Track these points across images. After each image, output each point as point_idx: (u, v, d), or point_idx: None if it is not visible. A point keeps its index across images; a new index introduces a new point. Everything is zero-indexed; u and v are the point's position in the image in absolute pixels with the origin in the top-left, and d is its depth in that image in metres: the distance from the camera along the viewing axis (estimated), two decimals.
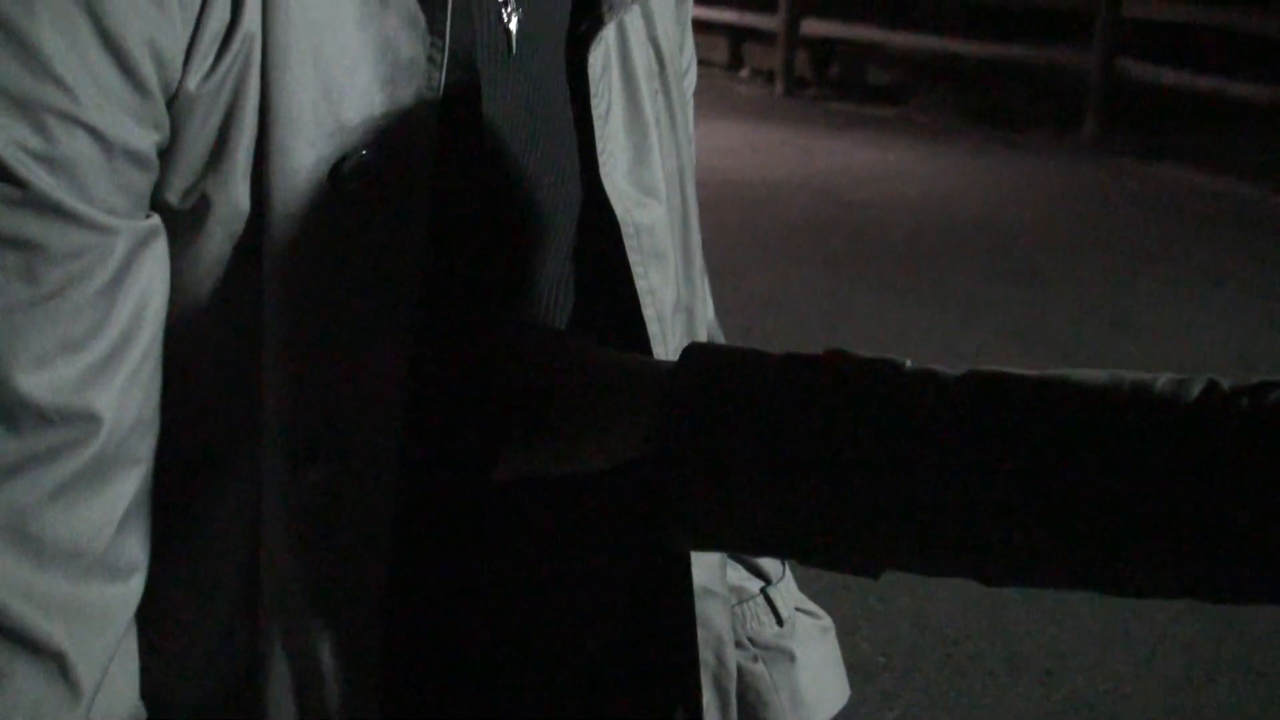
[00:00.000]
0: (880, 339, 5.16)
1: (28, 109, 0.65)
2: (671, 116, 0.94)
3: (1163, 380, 0.73)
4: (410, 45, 0.75)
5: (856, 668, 3.06)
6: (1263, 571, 0.70)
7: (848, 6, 10.87)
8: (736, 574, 1.10)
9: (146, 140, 0.70)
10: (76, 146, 0.67)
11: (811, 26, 10.56)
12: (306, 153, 0.72)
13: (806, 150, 8.53)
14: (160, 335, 0.73)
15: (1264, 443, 0.69)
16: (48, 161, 0.66)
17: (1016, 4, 9.85)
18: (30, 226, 0.66)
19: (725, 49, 11.65)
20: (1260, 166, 8.11)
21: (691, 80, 1.01)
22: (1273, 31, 8.43)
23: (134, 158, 0.69)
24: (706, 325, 1.02)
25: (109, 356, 0.70)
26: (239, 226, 0.72)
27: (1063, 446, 0.72)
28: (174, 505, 0.77)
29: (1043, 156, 8.53)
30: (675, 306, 0.93)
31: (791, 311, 5.49)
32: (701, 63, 11.52)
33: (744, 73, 11.43)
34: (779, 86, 10.62)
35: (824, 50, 10.97)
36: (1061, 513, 0.72)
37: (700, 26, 10.89)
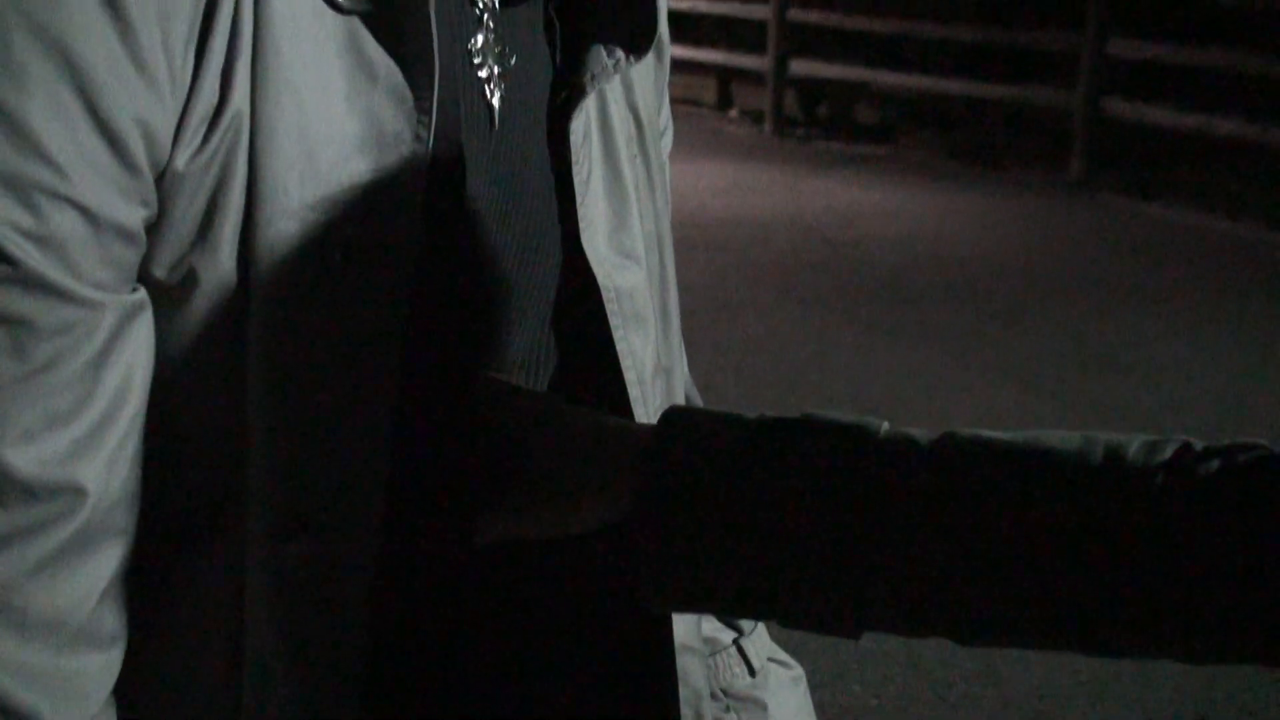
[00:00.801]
0: (868, 378, 5.17)
1: (19, 187, 0.66)
2: (650, 179, 0.96)
3: (1135, 445, 0.74)
4: (396, 121, 0.75)
5: (849, 710, 3.06)
6: (1237, 634, 0.71)
7: (836, 47, 10.93)
8: (709, 625, 1.11)
9: (135, 216, 0.70)
10: (66, 224, 0.67)
11: (800, 67, 10.62)
12: (292, 227, 0.73)
13: (795, 189, 8.57)
14: (145, 407, 0.74)
15: (1234, 507, 0.70)
16: (38, 239, 0.67)
17: (1002, 44, 9.91)
18: (19, 303, 0.67)
19: (714, 89, 11.71)
20: (1247, 204, 8.15)
21: (668, 141, 1.03)
22: (1257, 69, 8.49)
23: (122, 234, 0.70)
24: (683, 383, 1.03)
25: (95, 430, 0.71)
26: (224, 299, 0.73)
27: (1037, 515, 0.73)
28: (156, 576, 0.77)
29: (1029, 195, 8.57)
30: (655, 369, 0.94)
31: (781, 350, 5.51)
32: (690, 103, 11.46)
33: (733, 113, 11.48)
34: (768, 126, 10.67)
35: (812, 90, 11.03)
36: (1036, 579, 0.73)
37: (689, 67, 10.96)
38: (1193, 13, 9.29)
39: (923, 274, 6.66)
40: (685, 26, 11.04)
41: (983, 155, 9.66)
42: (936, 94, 10.24)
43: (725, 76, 11.58)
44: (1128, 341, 5.69)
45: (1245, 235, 7.65)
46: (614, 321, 0.89)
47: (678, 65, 9.40)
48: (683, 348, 1.06)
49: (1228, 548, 0.70)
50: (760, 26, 10.83)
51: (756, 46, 10.89)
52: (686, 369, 1.08)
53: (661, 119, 1.01)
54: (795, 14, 10.58)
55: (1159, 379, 5.26)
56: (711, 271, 6.47)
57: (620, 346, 0.90)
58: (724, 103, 11.67)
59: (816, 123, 10.98)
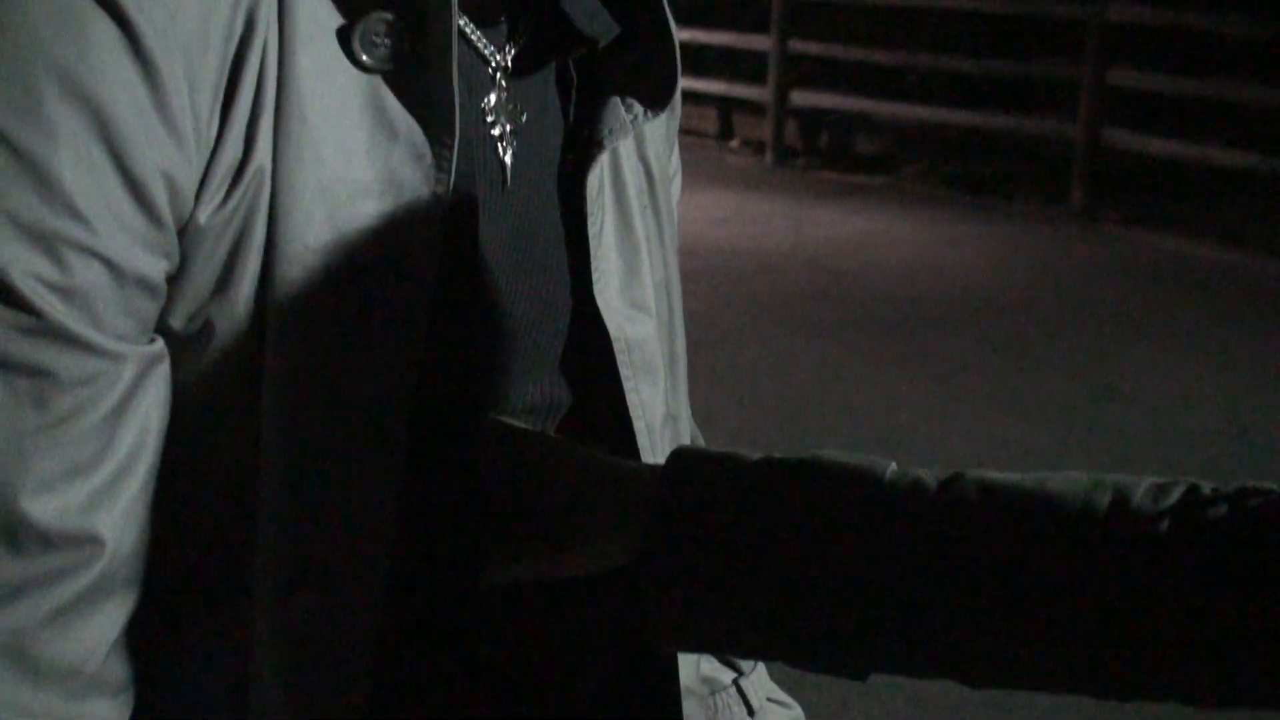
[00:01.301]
0: (871, 408, 5.17)
1: (45, 240, 0.67)
2: (660, 229, 0.96)
3: (1142, 489, 0.74)
4: (414, 177, 0.76)
5: None
6: (1245, 678, 0.71)
7: (836, 77, 10.97)
8: (708, 665, 1.11)
9: (157, 268, 0.71)
10: (91, 277, 0.68)
11: (800, 97, 10.65)
12: (309, 280, 0.74)
13: (797, 219, 8.58)
14: (160, 458, 0.74)
15: (1241, 553, 0.71)
16: (63, 291, 0.68)
17: (1002, 74, 9.94)
18: (43, 354, 0.68)
19: (715, 119, 11.74)
20: (1247, 233, 8.16)
21: (677, 186, 1.04)
22: (1257, 99, 8.52)
23: (145, 285, 0.71)
24: (689, 426, 1.04)
25: (113, 480, 0.71)
26: (240, 350, 0.74)
27: (1043, 563, 0.74)
28: (167, 626, 0.78)
29: (1030, 225, 8.58)
30: (664, 418, 0.94)
31: (784, 381, 5.51)
32: (692, 133, 11.46)
33: (734, 143, 11.51)
34: (769, 156, 10.69)
35: (813, 120, 11.06)
36: (1043, 627, 0.74)
37: (691, 97, 10.97)
38: (1193, 44, 9.31)
39: (924, 304, 6.67)
40: (686, 57, 11.01)
41: (984, 185, 9.67)
42: (937, 124, 10.27)
43: (726, 107, 11.62)
44: (1129, 371, 5.69)
45: (1245, 264, 7.66)
46: (624, 372, 0.90)
47: None
48: (686, 387, 1.07)
49: (1235, 594, 0.70)
50: (761, 57, 10.87)
51: (758, 77, 10.92)
52: (689, 412, 1.09)
53: (671, 165, 1.02)
54: (796, 45, 10.61)
55: (1161, 408, 5.27)
56: (713, 301, 6.47)
57: (631, 397, 0.90)
58: (725, 133, 11.70)
59: (817, 153, 11.00)
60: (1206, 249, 7.99)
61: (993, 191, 9.54)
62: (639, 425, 0.91)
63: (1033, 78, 9.93)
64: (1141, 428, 5.07)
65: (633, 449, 0.91)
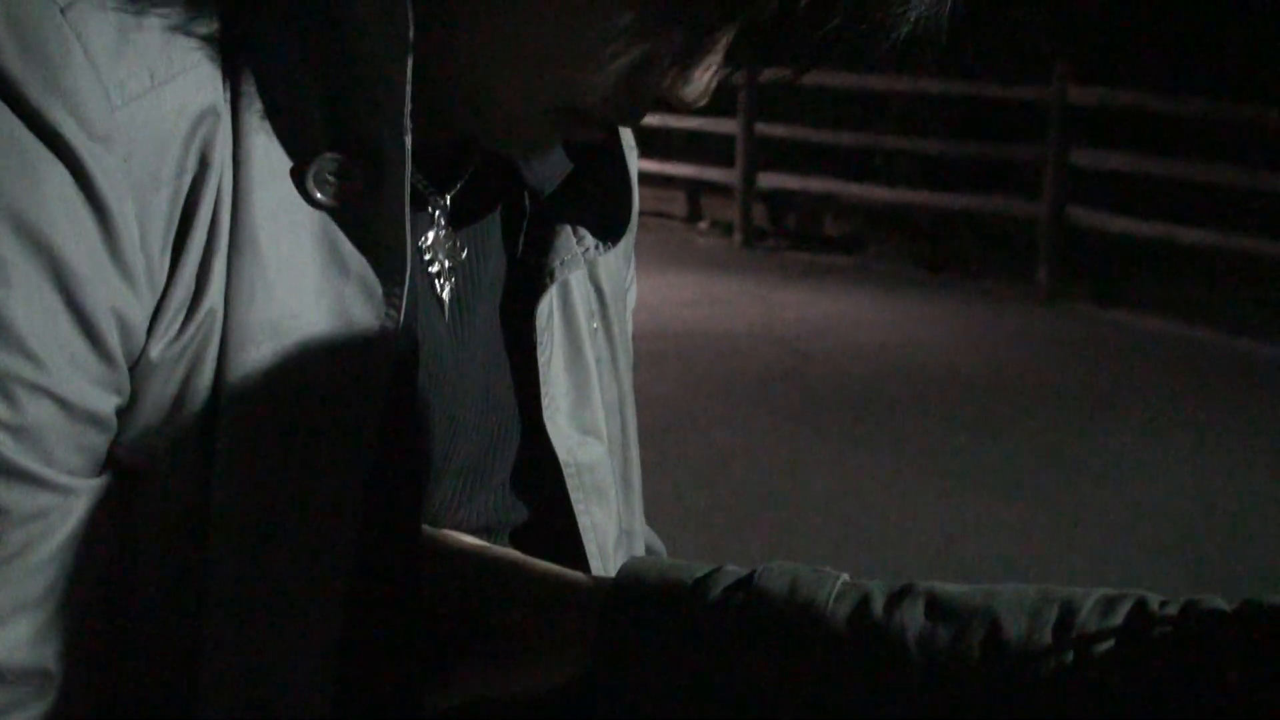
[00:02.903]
0: (841, 490, 5.18)
1: None
2: (611, 348, 0.96)
3: (1090, 604, 0.75)
4: (365, 314, 0.76)
5: None
6: None
7: (803, 160, 11.08)
8: None
9: (108, 404, 0.72)
10: (43, 414, 0.69)
11: (768, 179, 10.74)
12: (257, 413, 0.74)
13: (766, 300, 8.63)
14: (109, 591, 0.74)
15: (1186, 674, 0.72)
16: (14, 430, 0.68)
17: (967, 155, 10.06)
18: None
19: (684, 202, 11.83)
20: (1212, 310, 8.25)
21: (632, 297, 1.03)
22: (1218, 179, 8.64)
23: (95, 421, 0.71)
24: (644, 536, 1.04)
25: (61, 614, 0.71)
26: (188, 482, 0.74)
27: (989, 680, 0.74)
28: None
29: (997, 304, 8.65)
30: (617, 539, 0.95)
31: (753, 463, 5.51)
32: (661, 215, 11.51)
33: (703, 225, 11.59)
34: (737, 238, 10.76)
35: (781, 202, 11.15)
36: None
37: (659, 180, 11.07)
38: (1152, 125, 9.45)
39: (894, 384, 6.70)
40: (655, 141, 11.18)
41: (950, 265, 9.76)
42: (903, 205, 10.37)
43: (694, 189, 11.71)
44: (1097, 448, 5.72)
45: (1209, 341, 7.74)
46: (575, 496, 0.90)
47: (648, 179, 9.52)
48: (641, 502, 1.06)
49: (1179, 714, 0.71)
50: (728, 140, 10.97)
51: (725, 160, 11.02)
52: (644, 522, 1.08)
53: (627, 278, 1.01)
54: (762, 128, 10.71)
55: (1128, 485, 5.29)
56: (682, 384, 6.49)
57: (582, 520, 0.91)
58: (694, 215, 11.78)
59: (785, 234, 11.09)
60: (1171, 326, 8.06)
61: (960, 271, 9.62)
62: (591, 548, 0.91)
63: (997, 159, 10.05)
64: (1111, 505, 5.09)
65: (585, 571, 0.90)
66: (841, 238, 10.82)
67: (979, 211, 9.90)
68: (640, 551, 1.01)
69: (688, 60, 0.74)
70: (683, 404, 6.16)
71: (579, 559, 0.90)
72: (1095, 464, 5.53)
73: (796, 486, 5.24)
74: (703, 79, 0.76)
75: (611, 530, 0.94)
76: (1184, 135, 9.64)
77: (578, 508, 0.90)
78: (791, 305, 8.50)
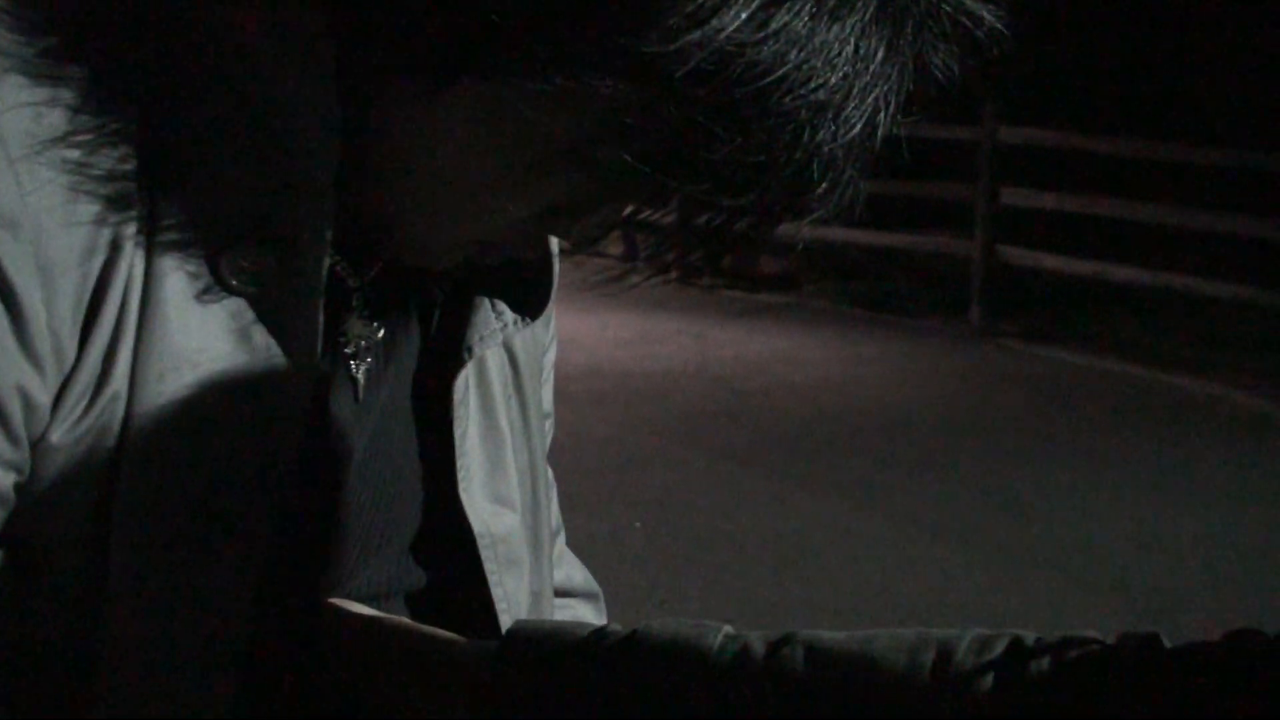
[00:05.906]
0: (778, 528, 5.17)
1: None
2: (524, 414, 0.96)
3: (966, 643, 0.76)
4: (274, 395, 0.76)
5: None
6: None
7: None
8: None
9: (7, 481, 0.71)
10: None
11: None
12: (158, 494, 0.74)
13: (701, 338, 8.65)
14: (4, 670, 0.74)
15: (1063, 708, 0.72)
16: None
17: (900, 194, 10.16)
18: None
19: (619, 241, 11.86)
20: (1143, 347, 8.36)
21: (551, 356, 1.03)
22: (1148, 218, 8.78)
23: None
24: (550, 602, 1.03)
25: None
26: (80, 557, 0.73)
27: None
28: None
29: (931, 341, 8.72)
30: (529, 605, 0.95)
31: (690, 503, 5.50)
32: (596, 254, 11.73)
33: (639, 263, 11.62)
34: (673, 276, 10.80)
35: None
36: None
37: None
38: (1084, 165, 9.60)
39: (830, 423, 6.72)
40: None
41: (885, 303, 9.84)
42: (839, 244, 10.44)
43: (630, 228, 11.74)
44: (1032, 485, 5.75)
45: (1142, 377, 7.83)
46: (489, 567, 0.90)
47: None
48: (551, 563, 1.05)
49: None
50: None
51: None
52: (552, 583, 1.07)
53: (547, 338, 1.01)
54: None
55: (1064, 521, 5.32)
56: (620, 424, 6.48)
57: (495, 591, 0.91)
58: (630, 254, 11.82)
59: (721, 273, 11.13)
60: (1105, 362, 8.16)
61: (894, 309, 9.70)
62: (504, 619, 0.91)
63: (930, 198, 10.16)
64: (1045, 541, 5.11)
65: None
66: (777, 275, 10.87)
67: (913, 250, 9.99)
68: (549, 612, 1.01)
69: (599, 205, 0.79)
70: (620, 443, 6.14)
71: (493, 628, 0.90)
72: (1031, 501, 5.57)
73: (735, 526, 5.23)
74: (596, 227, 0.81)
75: (524, 598, 0.94)
76: (1115, 175, 9.79)
77: (491, 579, 0.90)
78: (728, 344, 8.53)
